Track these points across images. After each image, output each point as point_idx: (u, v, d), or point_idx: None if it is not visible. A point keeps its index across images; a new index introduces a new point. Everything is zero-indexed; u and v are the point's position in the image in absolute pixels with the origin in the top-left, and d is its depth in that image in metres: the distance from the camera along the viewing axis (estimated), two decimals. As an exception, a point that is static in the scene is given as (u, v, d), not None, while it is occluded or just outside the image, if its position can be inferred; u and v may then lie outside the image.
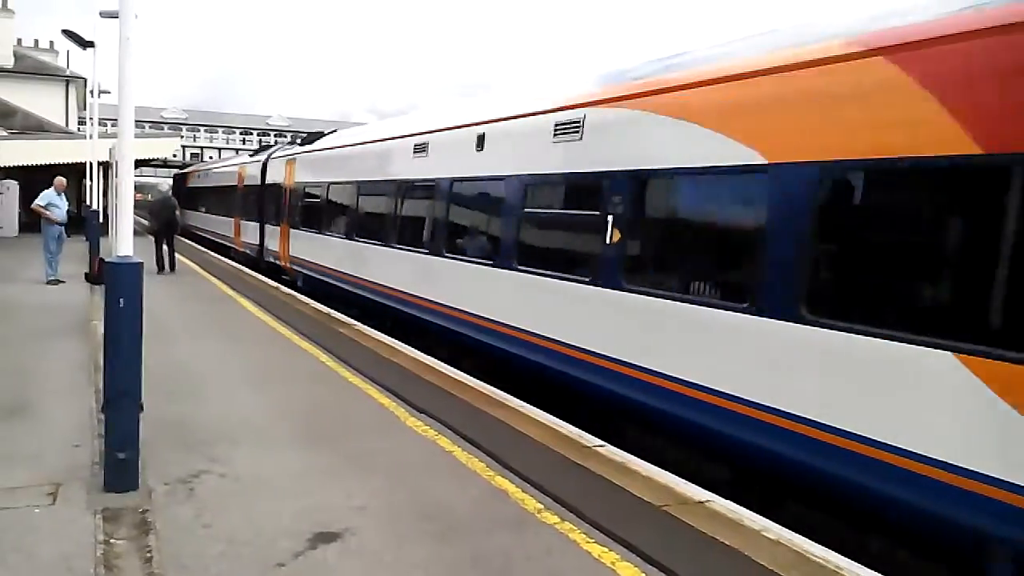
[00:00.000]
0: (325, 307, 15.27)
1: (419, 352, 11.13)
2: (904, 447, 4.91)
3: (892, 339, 5.04)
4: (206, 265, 23.35)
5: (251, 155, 29.32)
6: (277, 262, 20.90)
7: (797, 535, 5.28)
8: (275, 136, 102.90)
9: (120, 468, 5.54)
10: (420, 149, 12.52)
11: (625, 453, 6.91)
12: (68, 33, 23.15)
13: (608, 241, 7.75)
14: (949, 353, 4.71)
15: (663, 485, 6.12)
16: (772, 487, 6.21)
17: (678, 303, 6.87)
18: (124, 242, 5.63)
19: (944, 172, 4.96)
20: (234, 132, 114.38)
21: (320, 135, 20.80)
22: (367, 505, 5.49)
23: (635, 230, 7.63)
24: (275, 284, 18.89)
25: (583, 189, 8.50)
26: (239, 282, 19.11)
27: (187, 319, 13.50)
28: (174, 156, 45.97)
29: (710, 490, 6.06)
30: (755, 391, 5.99)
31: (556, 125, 8.84)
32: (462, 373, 9.87)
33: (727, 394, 6.23)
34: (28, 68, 44.12)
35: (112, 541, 4.80)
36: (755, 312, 6.04)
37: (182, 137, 58.73)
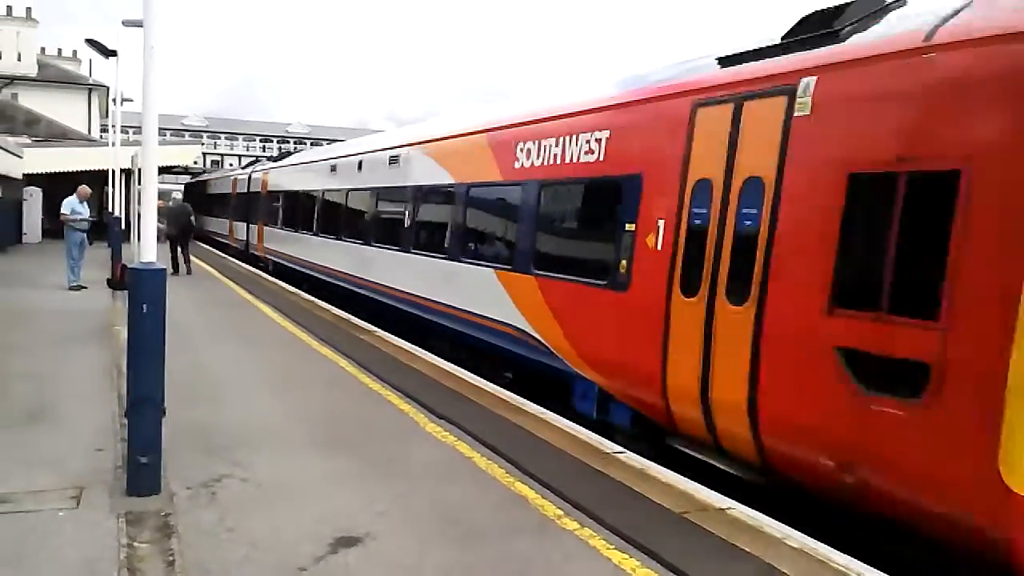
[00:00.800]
0: (344, 312, 15.33)
1: (438, 358, 11.16)
2: (486, 313, 10.45)
3: (481, 266, 10.74)
4: (224, 270, 23.51)
5: (242, 168, 35.81)
6: (256, 252, 26.41)
7: (819, 543, 5.25)
8: (295, 143, 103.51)
9: (143, 472, 5.58)
10: (335, 168, 18.62)
11: (644, 460, 6.89)
12: (91, 42, 23.40)
13: (406, 225, 13.71)
14: (490, 269, 10.41)
15: (683, 492, 6.10)
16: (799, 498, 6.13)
17: (439, 259, 12.12)
18: (147, 249, 5.68)
19: (500, 185, 10.60)
20: (254, 140, 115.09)
21: (288, 153, 27.45)
22: (387, 510, 5.50)
23: (418, 219, 13.48)
24: (293, 289, 18.99)
25: (398, 195, 14.22)
26: (257, 287, 19.23)
27: (207, 324, 13.60)
28: (195, 163, 46.34)
29: (731, 497, 6.03)
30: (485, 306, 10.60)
31: (390, 159, 14.93)
32: (480, 379, 9.89)
33: (458, 307, 11.41)
34: (52, 77, 44.70)
35: (135, 545, 4.83)
36: (450, 259, 11.76)
37: (203, 145, 59.24)
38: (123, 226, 21.26)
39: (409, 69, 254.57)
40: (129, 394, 5.70)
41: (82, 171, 28.62)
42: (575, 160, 8.87)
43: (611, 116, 8.42)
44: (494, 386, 9.52)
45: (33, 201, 32.43)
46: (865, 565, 4.95)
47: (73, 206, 17.74)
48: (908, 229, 5.18)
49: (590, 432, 7.69)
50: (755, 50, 6.94)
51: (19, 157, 29.31)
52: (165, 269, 5.67)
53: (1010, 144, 4.71)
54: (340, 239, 17.22)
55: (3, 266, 22.38)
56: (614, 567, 4.77)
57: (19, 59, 43.47)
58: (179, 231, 21.95)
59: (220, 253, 31.03)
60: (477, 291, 10.68)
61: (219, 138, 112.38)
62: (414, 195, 13.46)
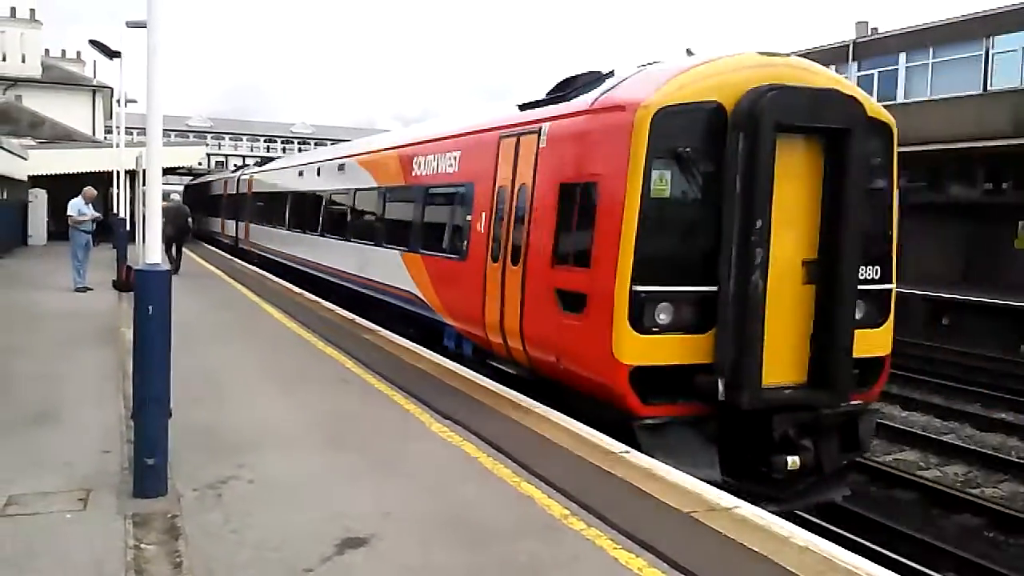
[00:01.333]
0: (349, 313, 15.35)
1: (443, 358, 11.16)
2: (394, 284, 13.58)
3: (392, 250, 13.71)
4: (231, 272, 23.53)
5: (232, 172, 39.44)
6: (242, 246, 29.80)
7: (825, 541, 5.24)
8: (299, 144, 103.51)
9: (149, 474, 5.59)
10: (302, 173, 22.05)
11: (651, 459, 6.88)
12: (95, 43, 23.44)
13: (348, 220, 17.31)
14: (398, 251, 13.43)
15: (689, 491, 6.08)
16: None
17: (367, 246, 15.39)
18: (153, 250, 5.69)
19: (403, 188, 13.91)
20: (258, 140, 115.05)
21: (270, 159, 33.21)
22: (393, 511, 5.50)
23: (354, 215, 17.05)
24: (299, 290, 19.01)
25: (342, 197, 17.91)
26: (261, 287, 19.25)
27: (212, 324, 13.62)
28: (199, 164, 46.48)
29: (737, 496, 6.03)
30: (387, 278, 14.10)
31: (338, 166, 18.37)
32: (487, 379, 9.88)
33: (376, 281, 14.88)
34: (56, 78, 44.77)
35: (142, 546, 4.84)
36: (374, 245, 14.88)
37: (207, 145, 59.32)
38: (128, 227, 21.30)
39: (415, 68, 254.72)
40: (135, 396, 5.72)
41: (86, 173, 28.68)
42: (443, 171, 12.31)
43: (459, 142, 11.98)
44: (499, 386, 9.52)
45: (38, 203, 32.50)
46: (873, 564, 4.94)
47: (78, 207, 17.79)
48: (580, 216, 8.42)
49: (596, 432, 7.68)
50: (532, 102, 10.40)
51: (24, 159, 29.36)
52: (171, 271, 5.68)
53: (616, 167, 7.86)
54: (304, 233, 20.62)
55: (9, 268, 22.46)
56: (621, 567, 4.77)
57: (23, 61, 43.53)
58: (176, 231, 22.26)
59: (222, 252, 31.20)
60: (389, 268, 13.95)
61: (223, 139, 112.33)
62: (352, 196, 17.18)
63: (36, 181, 31.37)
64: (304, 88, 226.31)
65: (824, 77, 8.53)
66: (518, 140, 9.88)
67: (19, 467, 6.11)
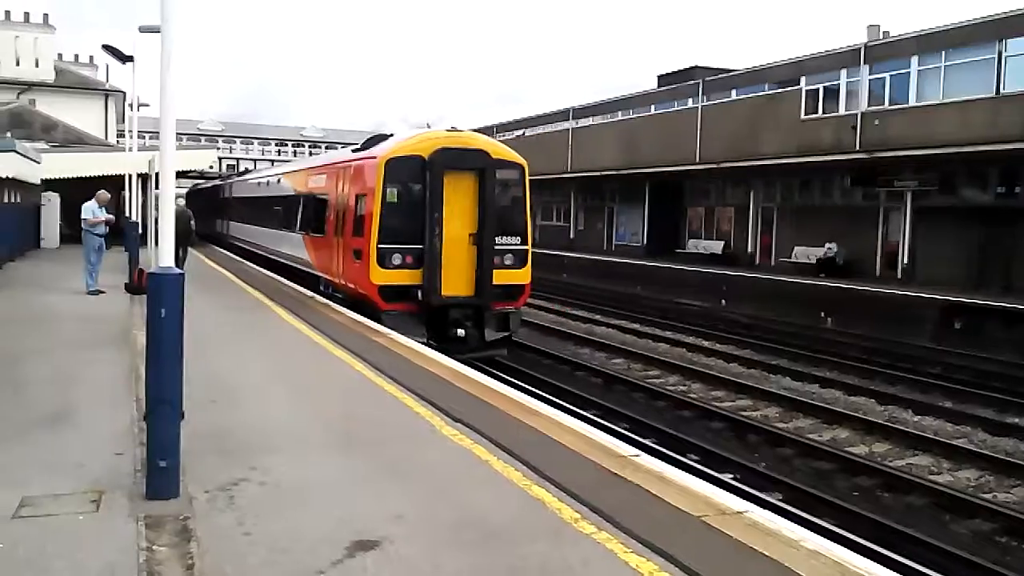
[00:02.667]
0: (359, 316, 15.39)
1: (453, 361, 11.18)
2: (299, 255, 21.64)
3: (298, 234, 21.61)
4: (241, 274, 23.61)
5: (221, 179, 47.81)
6: (229, 240, 36.27)
7: (837, 546, 5.22)
8: (309, 147, 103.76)
9: (161, 476, 5.61)
10: (260, 183, 29.68)
11: (661, 463, 6.88)
12: (108, 48, 23.63)
13: (279, 217, 24.43)
14: (300, 234, 21.28)
15: (700, 495, 6.07)
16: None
17: (289, 233, 22.62)
18: (166, 253, 5.72)
19: (304, 195, 21.71)
20: (269, 144, 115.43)
21: (247, 171, 46.13)
22: (405, 514, 5.51)
23: (282, 213, 24.09)
24: (309, 293, 19.07)
25: (278, 201, 24.86)
26: (272, 290, 19.30)
27: (223, 327, 13.67)
28: (210, 168, 46.72)
29: (748, 500, 6.02)
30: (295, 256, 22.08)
31: (274, 180, 26.95)
32: (496, 382, 9.90)
33: (292, 255, 22.46)
34: (69, 82, 44.93)
35: (155, 548, 4.86)
36: (292, 231, 22.38)
37: (219, 149, 59.58)
38: (140, 231, 21.41)
39: (425, 72, 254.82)
40: (148, 398, 5.75)
41: (99, 176, 28.81)
42: (317, 186, 20.22)
43: (324, 169, 20.38)
44: (508, 388, 9.53)
45: (51, 206, 32.65)
46: (885, 569, 4.92)
47: (92, 210, 17.89)
48: (361, 211, 15.86)
49: (606, 435, 7.70)
50: (354, 151, 18.21)
51: (37, 163, 29.48)
52: (183, 274, 5.71)
53: (373, 187, 15.32)
54: (257, 226, 28.65)
55: (22, 271, 22.59)
56: (632, 570, 4.76)
57: (37, 65, 43.72)
58: (179, 235, 22.36)
59: (224, 251, 31.61)
60: (298, 247, 21.41)
61: (235, 142, 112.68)
62: (280, 200, 24.55)
63: (49, 184, 31.48)
64: (315, 92, 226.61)
65: (479, 141, 15.96)
66: (345, 171, 17.69)
67: (32, 469, 6.15)
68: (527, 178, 16.08)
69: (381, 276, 14.97)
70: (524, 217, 16.05)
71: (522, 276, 15.80)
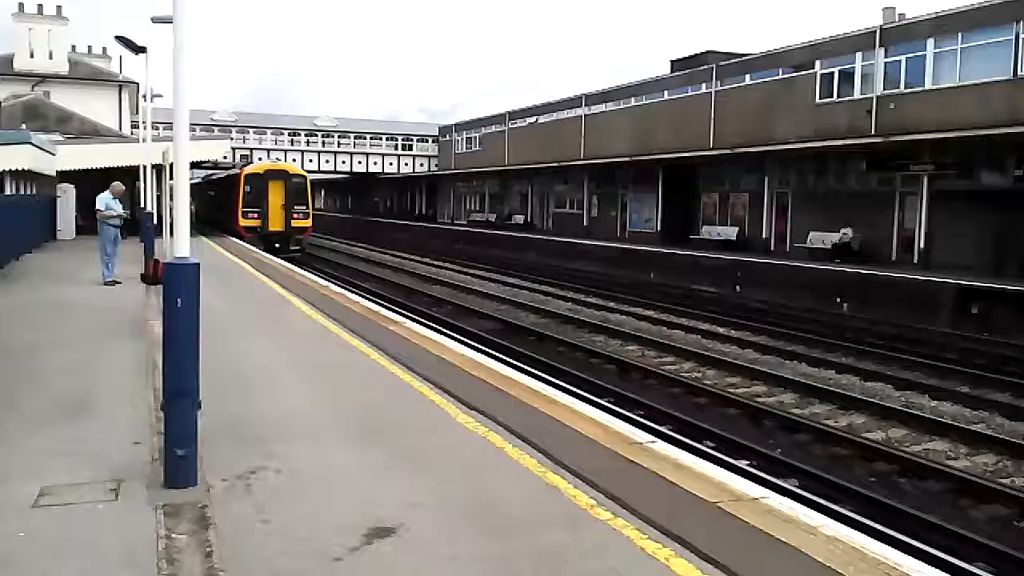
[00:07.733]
0: (374, 305, 15.43)
1: (468, 349, 11.20)
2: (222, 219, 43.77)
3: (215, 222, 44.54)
4: (258, 265, 23.72)
5: (208, 175, 59.19)
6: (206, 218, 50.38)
7: (854, 531, 5.21)
8: (322, 137, 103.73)
9: (179, 465, 5.65)
10: (210, 182, 53.13)
11: (677, 449, 6.88)
12: (121, 39, 23.66)
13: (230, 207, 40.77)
14: (222, 209, 43.27)
15: (716, 481, 6.07)
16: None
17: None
18: (181, 243, 5.74)
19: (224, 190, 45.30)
20: (282, 134, 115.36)
21: (218, 168, 54.65)
22: (421, 501, 5.53)
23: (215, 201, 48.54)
24: (324, 283, 19.14)
25: (212, 194, 50.85)
26: (287, 280, 19.38)
27: (239, 317, 13.73)
28: (224, 158, 46.99)
29: (764, 486, 6.00)
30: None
31: (213, 180, 52.04)
32: (511, 370, 9.90)
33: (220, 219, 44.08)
34: (82, 74, 45.21)
35: (173, 536, 4.90)
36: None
37: (232, 139, 59.76)
38: (155, 221, 21.51)
39: (441, 59, 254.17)
40: (165, 387, 5.77)
41: (114, 168, 28.98)
42: (232, 186, 39.12)
43: (231, 175, 41.81)
44: (524, 376, 9.54)
45: (67, 198, 32.90)
46: (902, 554, 4.91)
47: (107, 201, 17.99)
48: (235, 197, 38.03)
49: (621, 422, 7.70)
50: (242, 167, 41.32)
51: (52, 154, 29.69)
52: (199, 264, 5.73)
53: (239, 188, 38.40)
54: (213, 207, 46.52)
55: (39, 262, 22.75)
56: (648, 556, 4.76)
57: (51, 57, 44.02)
58: None
59: (249, 247, 31.65)
60: (217, 212, 43.69)
61: (248, 132, 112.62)
62: (212, 194, 44.50)
63: (64, 176, 31.75)
64: (329, 81, 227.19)
65: (286, 166, 41.93)
66: (238, 177, 37.93)
67: (51, 458, 6.21)
68: (308, 181, 38.50)
69: (243, 222, 36.26)
70: (305, 197, 37.68)
71: (306, 223, 37.55)
